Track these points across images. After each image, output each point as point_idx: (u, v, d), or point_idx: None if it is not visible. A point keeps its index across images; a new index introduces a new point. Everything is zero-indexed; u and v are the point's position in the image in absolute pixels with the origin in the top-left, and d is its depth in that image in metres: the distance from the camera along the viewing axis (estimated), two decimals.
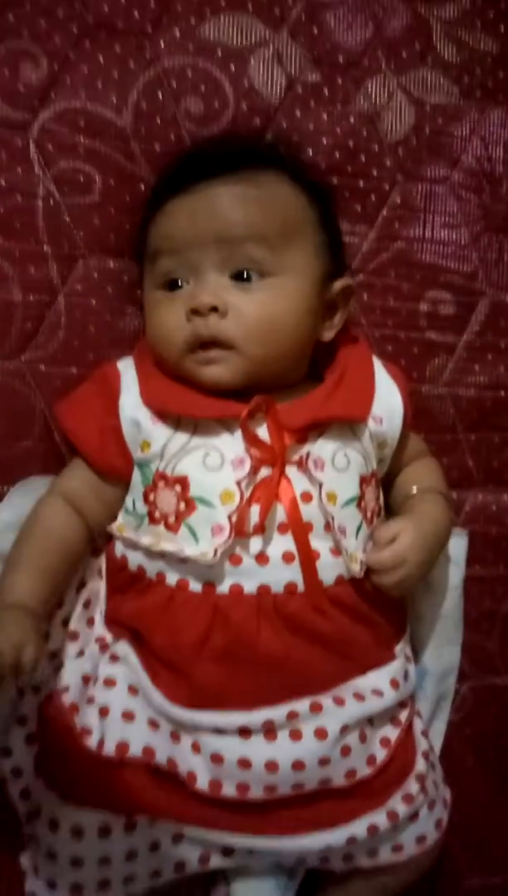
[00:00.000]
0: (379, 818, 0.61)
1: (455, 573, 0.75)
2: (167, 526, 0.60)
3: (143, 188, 0.71)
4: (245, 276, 0.60)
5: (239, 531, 0.58)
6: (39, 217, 0.70)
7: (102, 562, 0.68)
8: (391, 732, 0.64)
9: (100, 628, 0.66)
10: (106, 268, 0.71)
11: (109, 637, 0.65)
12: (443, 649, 0.75)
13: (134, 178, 0.71)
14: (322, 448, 0.62)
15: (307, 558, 0.59)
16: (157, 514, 0.61)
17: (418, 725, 0.67)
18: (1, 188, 0.69)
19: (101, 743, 0.59)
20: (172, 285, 0.62)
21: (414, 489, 0.68)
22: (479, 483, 0.80)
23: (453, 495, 0.78)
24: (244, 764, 0.59)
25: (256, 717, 0.59)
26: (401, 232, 0.76)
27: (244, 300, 0.60)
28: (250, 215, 0.61)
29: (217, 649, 0.58)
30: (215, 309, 0.59)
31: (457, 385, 0.78)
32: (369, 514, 0.64)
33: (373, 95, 0.75)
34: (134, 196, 0.71)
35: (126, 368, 0.65)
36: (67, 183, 0.70)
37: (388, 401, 0.67)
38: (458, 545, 0.75)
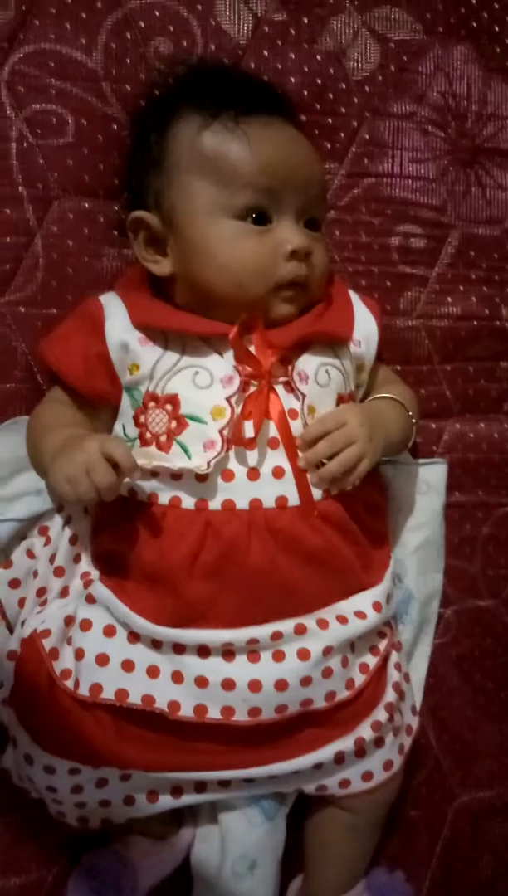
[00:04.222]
0: (346, 744, 0.63)
1: (436, 500, 0.77)
2: (159, 446, 0.61)
3: (116, 128, 0.72)
4: (314, 226, 0.65)
5: (236, 441, 0.59)
6: (13, 159, 0.70)
7: None
8: (370, 660, 0.66)
9: (85, 565, 0.66)
10: (81, 209, 0.72)
11: (94, 573, 0.65)
12: (427, 575, 0.77)
13: (107, 119, 0.71)
14: (306, 363, 0.63)
15: (299, 471, 0.60)
16: (148, 435, 0.62)
17: (393, 658, 0.69)
18: None
19: (76, 684, 0.60)
20: (260, 220, 0.62)
21: (372, 397, 0.70)
22: (457, 412, 0.82)
23: (431, 426, 0.81)
24: (229, 685, 0.60)
25: (240, 634, 0.60)
26: (370, 168, 0.78)
27: (316, 248, 0.64)
28: (321, 170, 0.68)
29: (207, 565, 0.59)
30: (308, 255, 0.62)
31: (431, 317, 0.80)
32: None
33: (338, 34, 0.76)
34: (107, 136, 0.72)
35: (109, 299, 0.66)
36: (39, 125, 0.70)
37: (365, 326, 0.69)
38: (438, 473, 0.78)
